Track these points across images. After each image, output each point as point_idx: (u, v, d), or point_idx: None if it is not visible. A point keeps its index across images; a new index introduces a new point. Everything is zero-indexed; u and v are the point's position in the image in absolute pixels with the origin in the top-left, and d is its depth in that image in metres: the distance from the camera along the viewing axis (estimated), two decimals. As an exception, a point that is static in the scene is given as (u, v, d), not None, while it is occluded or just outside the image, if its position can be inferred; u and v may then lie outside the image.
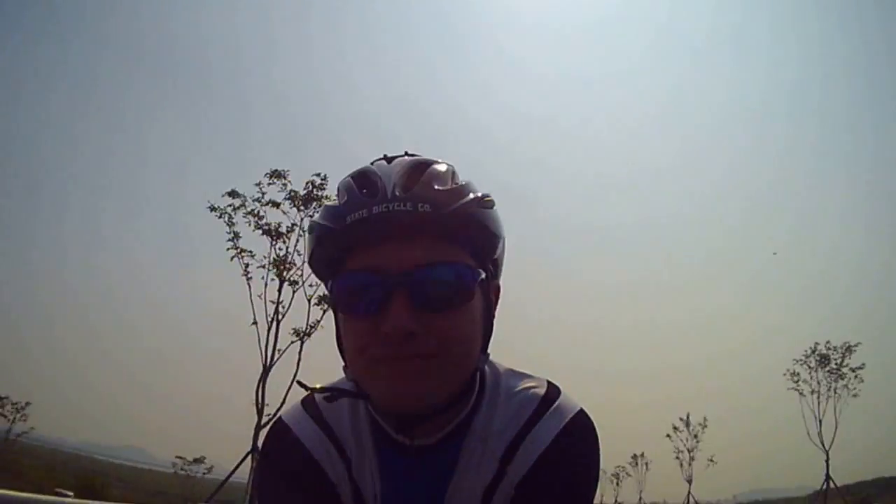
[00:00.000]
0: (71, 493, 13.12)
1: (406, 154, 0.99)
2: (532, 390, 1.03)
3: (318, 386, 1.03)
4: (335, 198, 0.96)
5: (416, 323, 0.85)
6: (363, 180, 0.93)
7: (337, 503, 1.00)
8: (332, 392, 0.99)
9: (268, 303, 14.92)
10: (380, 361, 0.88)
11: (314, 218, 0.98)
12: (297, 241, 15.13)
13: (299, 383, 1.03)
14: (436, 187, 0.89)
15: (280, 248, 15.02)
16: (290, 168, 15.37)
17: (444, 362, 0.88)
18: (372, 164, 0.98)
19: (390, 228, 0.86)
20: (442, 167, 0.94)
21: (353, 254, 0.90)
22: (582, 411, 1.01)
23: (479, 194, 0.93)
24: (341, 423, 1.04)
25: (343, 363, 0.98)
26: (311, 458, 1.00)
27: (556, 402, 1.01)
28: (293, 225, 15.19)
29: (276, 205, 15.00)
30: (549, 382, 1.05)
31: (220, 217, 14.93)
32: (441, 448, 0.99)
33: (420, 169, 0.93)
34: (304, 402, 1.08)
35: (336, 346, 0.99)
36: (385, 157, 0.98)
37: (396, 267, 0.86)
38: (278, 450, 1.04)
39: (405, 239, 0.87)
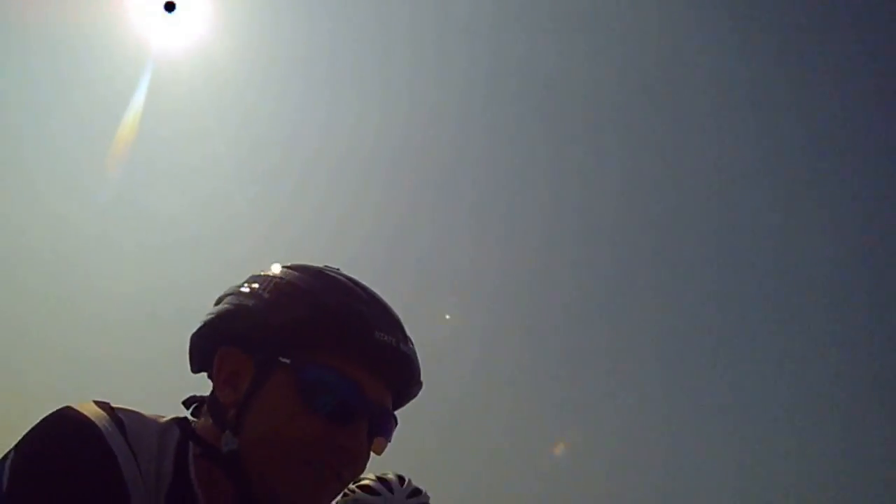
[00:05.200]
0: None
1: (352, 278, 0.97)
2: None
3: (168, 416, 0.91)
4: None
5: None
6: (383, 306, 0.94)
7: None
8: (209, 448, 0.86)
9: None
10: (311, 464, 0.85)
11: (310, 279, 0.92)
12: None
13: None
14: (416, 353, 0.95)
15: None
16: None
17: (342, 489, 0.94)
18: (348, 280, 0.95)
19: (397, 372, 0.91)
20: None
21: (345, 355, 0.87)
22: None
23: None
24: (149, 456, 0.84)
25: (218, 425, 0.88)
26: (120, 476, 0.77)
27: None
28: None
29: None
30: None
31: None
32: None
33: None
34: (100, 406, 0.84)
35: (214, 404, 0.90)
36: (343, 273, 0.96)
37: (375, 399, 0.89)
38: (77, 448, 0.76)
39: (390, 382, 0.91)
